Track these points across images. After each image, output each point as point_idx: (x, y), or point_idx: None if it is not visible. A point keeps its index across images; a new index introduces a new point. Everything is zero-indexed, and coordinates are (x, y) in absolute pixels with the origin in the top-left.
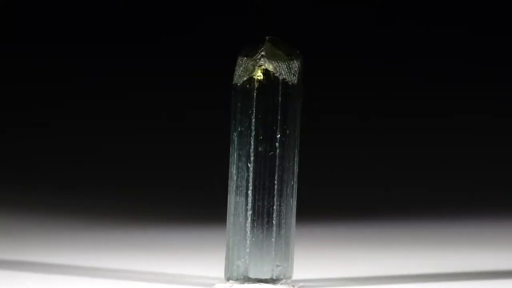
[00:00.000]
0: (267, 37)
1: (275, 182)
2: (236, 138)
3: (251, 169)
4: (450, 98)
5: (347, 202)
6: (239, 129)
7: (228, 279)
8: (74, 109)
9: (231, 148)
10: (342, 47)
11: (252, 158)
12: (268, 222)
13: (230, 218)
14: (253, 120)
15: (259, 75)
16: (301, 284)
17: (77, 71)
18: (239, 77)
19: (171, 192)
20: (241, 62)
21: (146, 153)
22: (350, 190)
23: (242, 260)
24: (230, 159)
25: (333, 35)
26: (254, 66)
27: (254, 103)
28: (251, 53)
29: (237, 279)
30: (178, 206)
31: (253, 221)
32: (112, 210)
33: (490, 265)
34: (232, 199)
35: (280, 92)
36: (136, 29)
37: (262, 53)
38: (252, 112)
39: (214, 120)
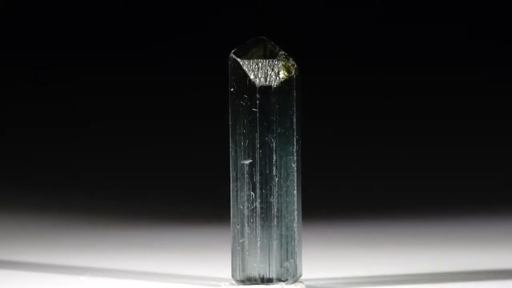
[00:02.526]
0: (264, 37)
1: (301, 180)
2: (274, 140)
3: (295, 169)
4: (450, 98)
5: (347, 202)
6: (278, 131)
7: (267, 280)
8: (74, 110)
9: (260, 151)
10: (342, 47)
11: (295, 159)
12: (301, 220)
13: (272, 220)
14: (295, 120)
15: (295, 74)
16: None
17: (78, 72)
18: (267, 78)
19: (171, 193)
20: (256, 64)
21: (151, 154)
22: (349, 189)
23: (292, 260)
24: (262, 162)
25: (333, 36)
26: (288, 66)
27: (295, 103)
28: (268, 54)
29: (287, 279)
30: (178, 206)
31: (298, 220)
32: (114, 210)
33: (492, 265)
34: (274, 201)
35: (300, 90)
36: (133, 30)
37: (281, 52)
38: (293, 112)
39: (214, 120)
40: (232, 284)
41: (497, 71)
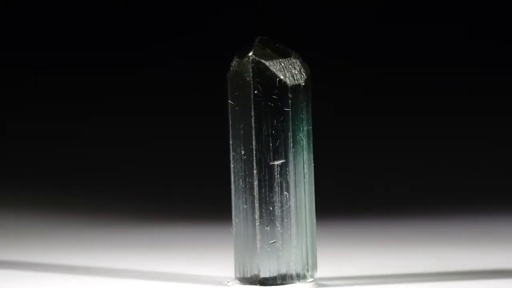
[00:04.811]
0: (266, 37)
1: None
2: (304, 138)
3: (313, 165)
4: (450, 98)
5: (346, 201)
6: (306, 128)
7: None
8: (73, 109)
9: (294, 149)
10: (342, 47)
11: (312, 156)
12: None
13: (304, 218)
14: (311, 117)
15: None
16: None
17: (77, 71)
18: (294, 77)
19: (170, 193)
20: (279, 64)
21: (151, 154)
22: (348, 189)
23: (314, 257)
24: (295, 160)
25: (333, 36)
26: (304, 65)
27: (311, 100)
28: (285, 54)
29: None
30: (176, 205)
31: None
32: (116, 210)
33: (493, 265)
34: (305, 199)
35: None
36: (133, 30)
37: (291, 50)
38: (311, 109)
39: (214, 120)
40: (236, 283)
41: (497, 71)
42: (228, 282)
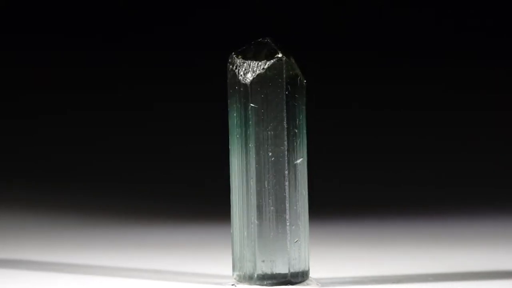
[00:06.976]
0: (271, 38)
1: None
2: (306, 133)
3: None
4: (454, 94)
5: (342, 201)
6: (305, 124)
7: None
8: (72, 108)
9: (306, 147)
10: (342, 45)
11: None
12: None
13: (308, 215)
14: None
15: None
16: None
17: (73, 62)
18: (301, 76)
19: (171, 192)
20: (292, 63)
21: (151, 153)
22: (347, 189)
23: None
24: (310, 158)
25: (332, 34)
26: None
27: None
28: (287, 53)
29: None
30: (180, 204)
31: None
32: (118, 209)
33: (495, 265)
34: (302, 194)
35: None
36: (132, 30)
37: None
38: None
39: (213, 120)
40: (234, 284)
41: (502, 68)
42: (233, 284)
